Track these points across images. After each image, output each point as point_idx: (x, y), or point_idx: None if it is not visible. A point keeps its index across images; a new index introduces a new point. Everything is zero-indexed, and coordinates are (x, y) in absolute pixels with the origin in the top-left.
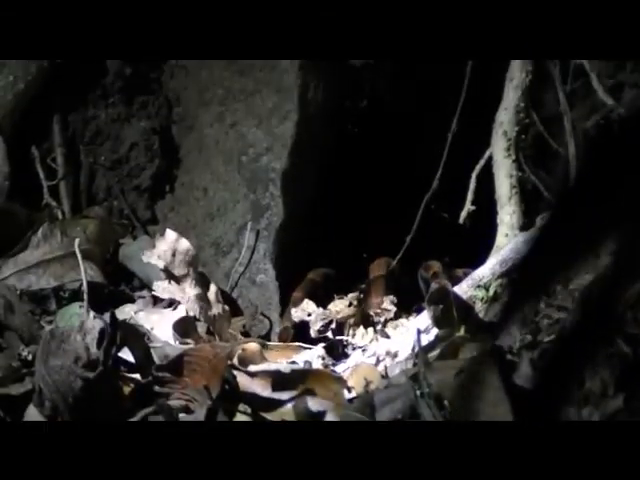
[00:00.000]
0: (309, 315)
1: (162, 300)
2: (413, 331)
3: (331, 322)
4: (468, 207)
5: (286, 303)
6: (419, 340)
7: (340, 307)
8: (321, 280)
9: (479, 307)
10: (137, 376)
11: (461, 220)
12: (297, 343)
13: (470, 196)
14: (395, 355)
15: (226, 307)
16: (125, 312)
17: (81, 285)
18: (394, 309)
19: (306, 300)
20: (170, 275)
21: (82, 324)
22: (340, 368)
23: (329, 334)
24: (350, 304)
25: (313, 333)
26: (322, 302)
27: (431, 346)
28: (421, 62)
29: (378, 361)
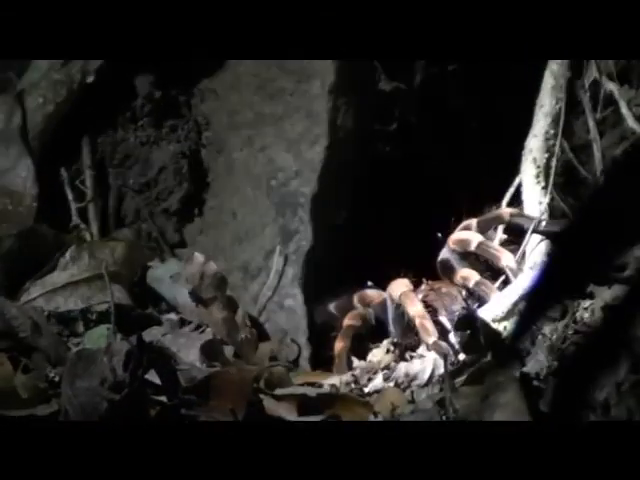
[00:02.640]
0: (355, 371)
1: (189, 323)
2: (430, 354)
3: (376, 372)
4: (500, 235)
5: (314, 327)
6: (446, 365)
7: (380, 356)
8: (360, 324)
9: (505, 334)
10: (163, 398)
11: None
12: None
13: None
14: (414, 378)
15: (254, 331)
16: (152, 334)
17: (109, 307)
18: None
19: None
20: (198, 298)
21: (109, 346)
22: (367, 392)
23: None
24: (388, 350)
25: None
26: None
27: (458, 371)
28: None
29: (397, 384)
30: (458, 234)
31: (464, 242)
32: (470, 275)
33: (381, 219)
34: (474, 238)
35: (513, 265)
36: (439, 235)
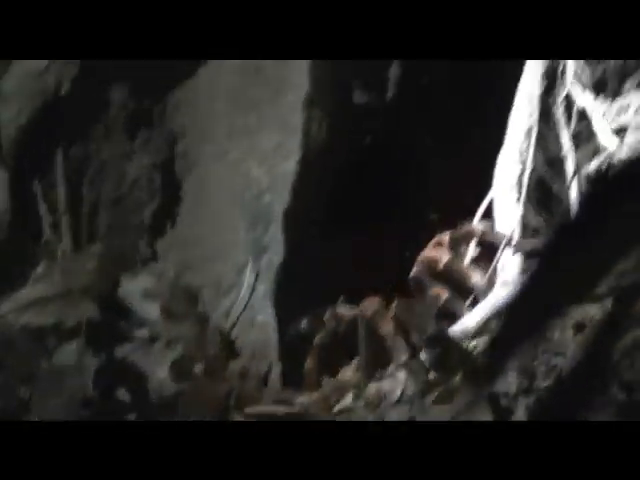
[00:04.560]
0: (324, 389)
1: (160, 339)
2: (401, 373)
3: (346, 390)
4: (472, 251)
5: (285, 344)
6: (416, 384)
7: (350, 374)
8: (331, 341)
9: (476, 352)
10: (133, 416)
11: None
12: None
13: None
14: (384, 398)
15: (224, 347)
16: (123, 351)
17: (80, 323)
18: None
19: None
20: (169, 314)
21: (79, 362)
22: (336, 411)
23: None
24: (358, 369)
25: None
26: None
27: (427, 390)
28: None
29: (367, 404)
30: (427, 252)
31: (433, 260)
32: (441, 293)
33: (354, 234)
34: (443, 257)
35: (482, 284)
36: (407, 254)
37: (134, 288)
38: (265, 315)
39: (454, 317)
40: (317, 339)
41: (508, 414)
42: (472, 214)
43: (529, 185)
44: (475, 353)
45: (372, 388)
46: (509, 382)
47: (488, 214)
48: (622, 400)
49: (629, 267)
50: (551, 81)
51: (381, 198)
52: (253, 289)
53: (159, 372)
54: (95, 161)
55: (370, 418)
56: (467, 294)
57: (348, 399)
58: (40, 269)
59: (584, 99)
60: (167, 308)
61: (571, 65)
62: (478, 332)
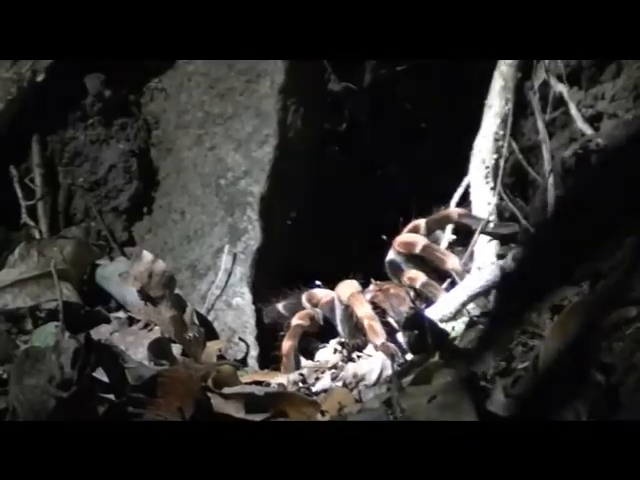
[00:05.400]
0: (302, 370)
1: (138, 321)
2: (378, 355)
3: (324, 372)
4: (448, 236)
5: (262, 326)
6: (393, 366)
7: (327, 356)
8: (308, 323)
9: (453, 334)
10: (111, 396)
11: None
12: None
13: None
14: (362, 379)
15: (202, 330)
16: (100, 332)
17: (57, 305)
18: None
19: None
20: (146, 297)
21: (57, 344)
22: (314, 392)
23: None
24: (335, 350)
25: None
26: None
27: (405, 371)
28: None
29: (345, 384)
30: (403, 236)
31: (409, 245)
32: (417, 276)
33: (330, 219)
34: (419, 241)
35: (458, 268)
36: (384, 237)
37: (111, 271)
38: (242, 298)
39: (430, 300)
40: (294, 321)
41: (486, 395)
42: (449, 199)
43: (505, 171)
44: (452, 336)
45: (349, 369)
46: (487, 363)
47: (464, 199)
48: (600, 382)
49: (605, 251)
50: (527, 68)
51: (357, 183)
52: (230, 272)
53: (137, 353)
54: (71, 146)
55: (348, 398)
56: (443, 278)
57: (326, 380)
58: (17, 253)
59: (561, 86)
60: (144, 291)
61: None
62: (454, 315)
